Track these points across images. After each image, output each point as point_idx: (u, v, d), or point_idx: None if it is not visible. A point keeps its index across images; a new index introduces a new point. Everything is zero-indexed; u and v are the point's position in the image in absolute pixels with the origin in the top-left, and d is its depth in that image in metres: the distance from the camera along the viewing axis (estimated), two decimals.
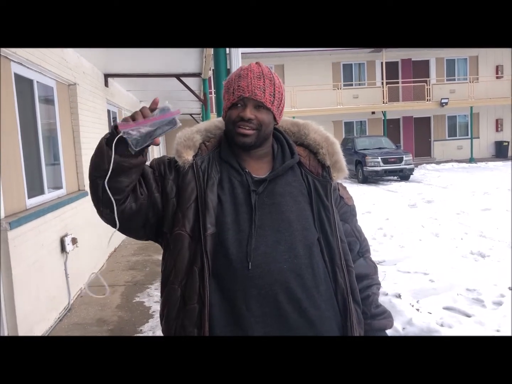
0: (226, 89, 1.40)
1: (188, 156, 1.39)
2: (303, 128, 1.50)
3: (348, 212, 1.52)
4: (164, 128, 1.25)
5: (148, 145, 1.27)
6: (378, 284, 1.57)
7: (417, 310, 4.12)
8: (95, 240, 5.94)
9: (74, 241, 4.90)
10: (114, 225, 1.38)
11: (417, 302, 4.33)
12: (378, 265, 5.85)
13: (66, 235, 4.77)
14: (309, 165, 1.45)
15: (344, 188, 1.54)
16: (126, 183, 1.31)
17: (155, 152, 15.35)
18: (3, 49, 3.68)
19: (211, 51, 4.34)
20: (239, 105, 1.35)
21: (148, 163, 1.42)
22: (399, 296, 4.41)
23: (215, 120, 1.53)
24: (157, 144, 1.26)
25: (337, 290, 1.39)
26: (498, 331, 3.72)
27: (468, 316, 4.09)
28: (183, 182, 1.37)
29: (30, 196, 4.21)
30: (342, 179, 1.47)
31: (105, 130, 7.11)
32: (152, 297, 4.92)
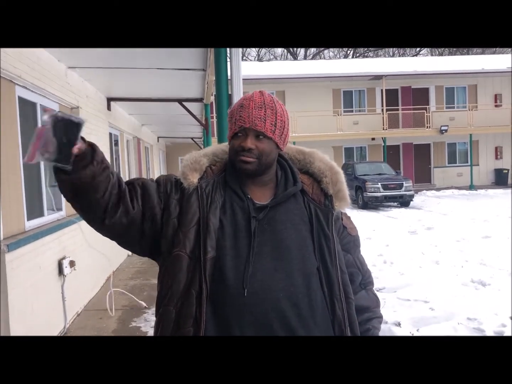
0: (229, 118, 1.42)
1: (194, 178, 1.40)
2: (309, 156, 1.51)
3: (351, 242, 1.51)
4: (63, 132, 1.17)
5: (69, 154, 1.20)
6: (380, 317, 1.55)
7: None
8: (93, 263, 5.90)
9: (72, 264, 4.87)
10: (110, 235, 1.39)
11: (417, 330, 4.28)
12: (377, 292, 5.79)
13: (64, 258, 4.74)
14: (312, 193, 1.44)
15: (348, 217, 1.53)
16: (99, 195, 1.28)
17: (155, 172, 15.39)
18: (8, 73, 3.73)
19: (213, 77, 4.42)
20: (240, 134, 1.37)
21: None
22: (398, 324, 4.35)
23: (222, 145, 1.55)
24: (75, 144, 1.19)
25: (335, 321, 1.37)
26: None
27: None
28: (187, 204, 1.37)
29: (29, 218, 4.21)
30: (344, 208, 1.47)
31: (106, 153, 7.14)
32: (149, 322, 4.86)
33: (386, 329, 4.16)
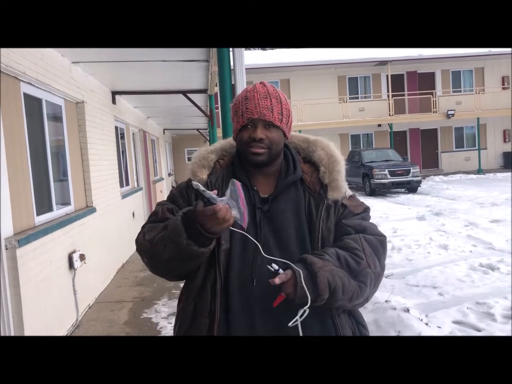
0: (234, 111, 1.44)
1: (203, 175, 1.46)
2: (312, 145, 1.53)
3: (357, 220, 1.45)
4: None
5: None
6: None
7: (426, 324, 4.07)
8: (103, 256, 5.96)
9: (82, 257, 4.93)
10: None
11: (426, 316, 4.29)
12: (386, 279, 5.72)
13: (74, 252, 4.79)
14: (309, 181, 1.47)
15: (352, 197, 1.49)
16: (191, 267, 1.37)
17: (162, 164, 15.41)
18: (13, 70, 3.75)
19: (216, 68, 4.41)
20: (249, 126, 1.39)
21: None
22: (407, 310, 4.36)
23: (230, 140, 1.58)
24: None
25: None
26: None
27: (478, 330, 4.04)
28: None
29: (38, 213, 4.25)
30: (340, 198, 1.45)
31: (112, 147, 7.17)
32: (159, 313, 4.91)
33: (395, 315, 4.17)
